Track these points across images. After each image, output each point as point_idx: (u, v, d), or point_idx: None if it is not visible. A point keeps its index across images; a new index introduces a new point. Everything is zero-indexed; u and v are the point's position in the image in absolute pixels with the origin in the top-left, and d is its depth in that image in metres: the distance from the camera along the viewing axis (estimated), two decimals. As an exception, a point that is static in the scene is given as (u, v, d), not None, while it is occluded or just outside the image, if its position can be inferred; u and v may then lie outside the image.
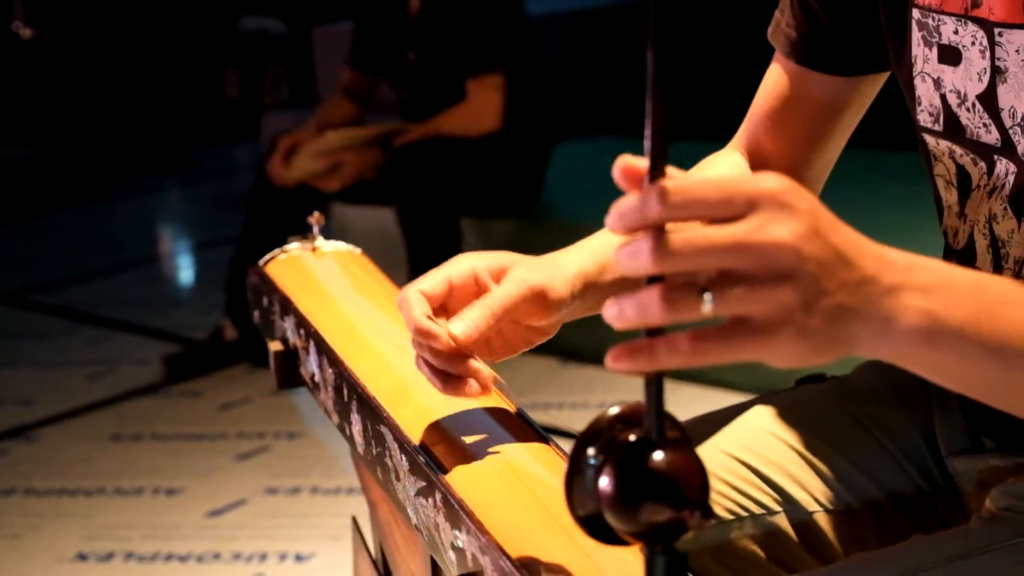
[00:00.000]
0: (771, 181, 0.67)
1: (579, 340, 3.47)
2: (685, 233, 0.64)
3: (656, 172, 0.65)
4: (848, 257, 0.68)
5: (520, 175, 3.63)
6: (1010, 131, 0.98)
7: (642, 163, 0.65)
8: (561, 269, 1.03)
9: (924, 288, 0.71)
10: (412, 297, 0.98)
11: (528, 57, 3.57)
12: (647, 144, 0.65)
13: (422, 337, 0.96)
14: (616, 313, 0.65)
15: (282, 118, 4.80)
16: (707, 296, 0.65)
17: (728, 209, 0.65)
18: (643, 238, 0.64)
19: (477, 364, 0.98)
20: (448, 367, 0.97)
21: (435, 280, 1.00)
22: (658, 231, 0.64)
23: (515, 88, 3.48)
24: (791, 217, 0.66)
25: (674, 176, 0.65)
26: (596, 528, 0.68)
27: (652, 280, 0.65)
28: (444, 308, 1.00)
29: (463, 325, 0.96)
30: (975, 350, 0.73)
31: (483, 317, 0.97)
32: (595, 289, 1.06)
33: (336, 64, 4.02)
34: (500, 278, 1.00)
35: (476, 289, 1.00)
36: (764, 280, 0.65)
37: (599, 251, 1.07)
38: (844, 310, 0.68)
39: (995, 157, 1.00)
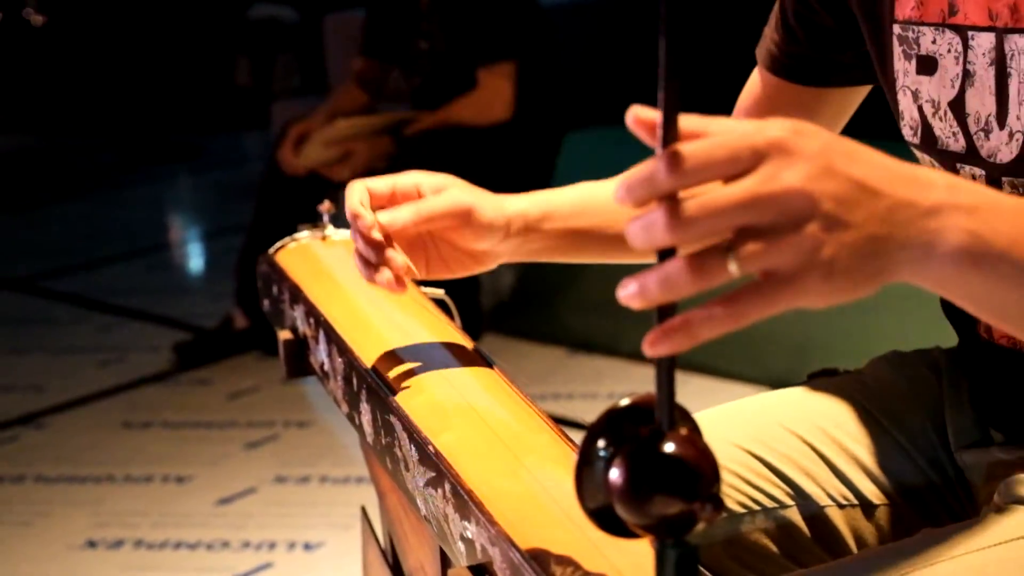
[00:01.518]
0: (775, 128, 0.65)
1: (587, 330, 3.49)
2: (696, 198, 0.63)
3: (668, 140, 0.64)
4: (871, 187, 0.66)
5: (530, 164, 3.63)
6: (974, 136, 0.98)
7: (654, 114, 0.64)
8: (499, 202, 1.13)
9: (969, 208, 0.69)
10: (356, 187, 1.11)
11: (539, 46, 3.56)
12: (659, 118, 0.64)
13: (352, 217, 1.07)
14: (637, 291, 0.64)
15: (293, 106, 4.79)
16: (731, 256, 0.63)
17: (737, 165, 0.64)
18: (655, 209, 0.63)
19: (393, 253, 1.07)
20: (368, 253, 1.07)
21: (382, 182, 1.12)
22: (670, 200, 0.63)
23: (526, 77, 3.47)
24: (799, 161, 0.64)
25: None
26: (606, 520, 0.68)
27: (664, 253, 0.64)
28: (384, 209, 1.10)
29: (389, 215, 1.08)
30: (1018, 273, 0.70)
31: (408, 214, 1.08)
32: (538, 235, 1.14)
33: (347, 52, 4.01)
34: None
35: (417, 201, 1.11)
36: (783, 229, 0.64)
37: (545, 199, 1.16)
38: (875, 241, 0.66)
39: (958, 166, 1.01)
